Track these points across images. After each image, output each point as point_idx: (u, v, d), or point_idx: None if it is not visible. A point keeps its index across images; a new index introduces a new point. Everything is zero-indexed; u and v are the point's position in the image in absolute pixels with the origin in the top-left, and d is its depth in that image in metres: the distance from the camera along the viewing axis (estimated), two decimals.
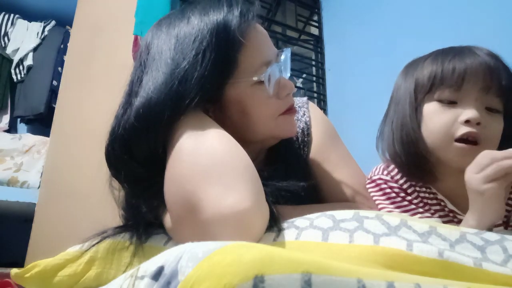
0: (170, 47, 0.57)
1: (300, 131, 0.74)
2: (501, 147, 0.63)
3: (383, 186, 0.69)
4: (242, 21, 0.58)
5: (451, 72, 0.62)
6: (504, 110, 0.63)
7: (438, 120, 0.63)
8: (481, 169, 0.54)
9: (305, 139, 0.74)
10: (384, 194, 0.68)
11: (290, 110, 0.64)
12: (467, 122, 0.60)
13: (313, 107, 0.79)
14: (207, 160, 0.48)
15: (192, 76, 0.53)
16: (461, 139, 0.61)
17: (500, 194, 0.53)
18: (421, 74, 0.67)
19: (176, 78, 0.53)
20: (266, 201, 0.49)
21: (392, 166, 0.70)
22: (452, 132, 0.61)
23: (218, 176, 0.46)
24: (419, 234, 0.43)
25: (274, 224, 0.48)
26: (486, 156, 0.54)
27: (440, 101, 0.64)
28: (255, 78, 0.59)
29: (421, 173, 0.66)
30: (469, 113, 0.60)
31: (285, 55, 0.65)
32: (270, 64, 0.60)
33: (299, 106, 0.78)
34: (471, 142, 0.61)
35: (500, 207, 0.54)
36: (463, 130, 0.60)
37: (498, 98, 0.62)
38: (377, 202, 0.69)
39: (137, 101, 0.54)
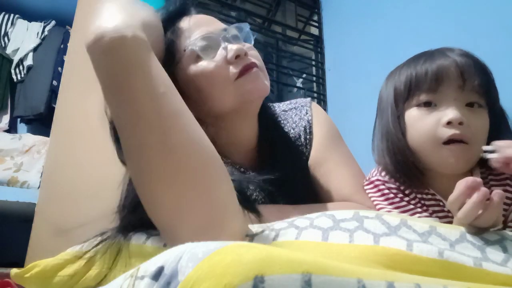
0: None
1: (303, 129, 0.75)
2: (490, 140, 0.63)
3: (381, 187, 0.69)
4: (174, 11, 0.63)
5: (424, 75, 0.63)
6: (487, 104, 0.63)
7: (420, 125, 0.63)
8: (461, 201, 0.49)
9: (308, 137, 0.74)
10: (383, 195, 0.68)
11: (247, 70, 0.61)
12: (449, 123, 0.60)
13: (315, 106, 0.80)
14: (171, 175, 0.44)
15: None
16: (448, 141, 0.61)
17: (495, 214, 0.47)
18: (398, 82, 0.68)
19: None
20: (242, 200, 0.47)
21: None
22: (437, 136, 0.61)
23: (181, 192, 0.42)
24: (419, 234, 0.43)
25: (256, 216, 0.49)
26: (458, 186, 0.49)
27: (419, 105, 0.64)
28: (186, 50, 0.61)
29: (411, 181, 0.66)
30: (450, 114, 0.60)
31: (238, 26, 0.66)
32: (204, 36, 0.62)
33: (301, 105, 0.78)
34: (459, 142, 0.61)
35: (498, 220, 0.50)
36: (447, 132, 0.60)
37: (477, 94, 0.62)
38: (375, 203, 0.69)
39: None
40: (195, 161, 0.42)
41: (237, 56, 0.61)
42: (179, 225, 0.42)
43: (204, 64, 0.61)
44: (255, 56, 0.65)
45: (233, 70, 0.61)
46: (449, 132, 0.60)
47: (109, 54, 0.42)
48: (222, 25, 0.66)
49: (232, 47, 0.61)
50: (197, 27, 0.63)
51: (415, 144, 0.65)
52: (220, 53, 0.61)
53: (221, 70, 0.61)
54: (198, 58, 0.61)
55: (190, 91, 0.61)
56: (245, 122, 0.68)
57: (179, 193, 0.42)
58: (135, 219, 0.55)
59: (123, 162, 0.55)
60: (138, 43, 0.43)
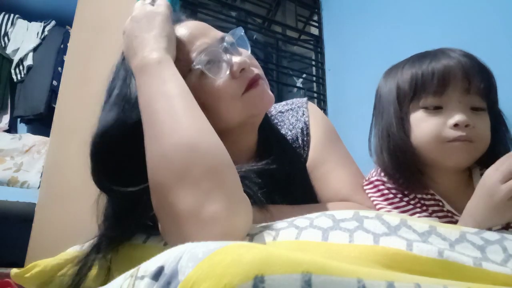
0: (110, 75, 0.65)
1: (300, 131, 0.74)
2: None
3: (381, 187, 0.69)
4: None
5: (431, 76, 0.62)
6: (488, 107, 0.64)
7: (425, 125, 0.63)
8: (499, 166, 0.54)
9: (305, 138, 0.74)
10: (382, 195, 0.68)
11: (253, 83, 0.62)
12: (455, 125, 0.61)
13: (312, 107, 0.79)
14: (183, 161, 0.46)
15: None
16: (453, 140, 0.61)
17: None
18: (401, 81, 0.67)
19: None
20: (247, 192, 0.48)
21: None
22: (442, 136, 0.62)
23: (195, 181, 0.44)
24: (419, 233, 0.43)
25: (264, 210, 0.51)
26: (506, 156, 0.54)
27: (425, 108, 0.64)
28: (189, 69, 0.60)
29: (411, 182, 0.66)
30: (457, 116, 0.60)
31: (233, 33, 0.65)
32: (207, 51, 0.61)
33: (298, 106, 0.78)
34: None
35: (508, 214, 0.53)
36: (453, 134, 0.61)
37: (480, 97, 0.63)
38: (375, 203, 0.69)
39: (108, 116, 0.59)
40: (206, 154, 0.46)
41: (241, 70, 0.60)
42: (194, 213, 0.43)
43: (209, 81, 0.60)
44: (255, 65, 0.64)
45: (239, 85, 0.61)
46: (455, 134, 0.61)
47: (138, 75, 0.54)
48: (218, 34, 0.64)
49: (236, 60, 0.60)
50: (195, 39, 0.62)
51: (418, 143, 0.64)
52: (224, 67, 0.60)
53: (228, 86, 0.60)
54: (202, 75, 0.60)
55: None
56: (248, 134, 0.68)
57: (195, 184, 0.44)
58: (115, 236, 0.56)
59: (100, 186, 0.57)
60: (160, 63, 0.53)
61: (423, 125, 0.64)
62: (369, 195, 0.70)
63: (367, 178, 0.72)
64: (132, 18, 0.60)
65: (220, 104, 0.60)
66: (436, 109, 0.63)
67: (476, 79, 0.62)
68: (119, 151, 0.55)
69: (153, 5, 0.62)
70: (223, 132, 0.57)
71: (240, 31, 0.65)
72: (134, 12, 0.61)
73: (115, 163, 0.55)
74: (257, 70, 0.63)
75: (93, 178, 0.57)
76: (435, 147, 0.63)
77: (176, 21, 0.65)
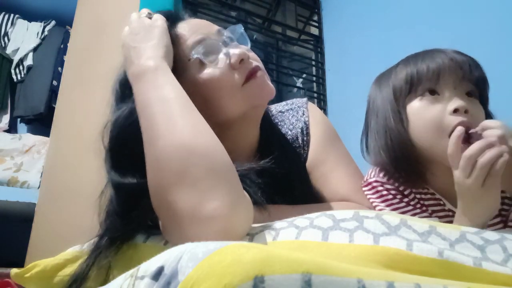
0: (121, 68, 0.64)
1: (300, 130, 0.74)
2: None
3: (379, 188, 0.68)
4: (169, 18, 0.64)
5: (426, 71, 0.63)
6: (480, 99, 0.65)
7: (425, 115, 0.63)
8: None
9: (305, 138, 0.74)
10: (381, 196, 0.68)
11: (252, 74, 0.62)
12: (455, 111, 0.60)
13: (312, 107, 0.79)
14: (181, 162, 0.46)
15: None
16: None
17: (490, 185, 0.53)
18: (396, 80, 0.67)
19: None
20: (247, 192, 0.48)
21: None
22: (444, 125, 0.61)
23: (193, 180, 0.44)
24: (419, 233, 0.43)
25: (263, 209, 0.51)
26: (464, 155, 0.55)
27: (422, 96, 0.64)
28: (189, 59, 0.61)
29: (410, 176, 0.65)
30: (456, 102, 0.61)
31: (233, 29, 0.66)
32: (204, 41, 0.62)
33: (298, 106, 0.78)
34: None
35: (493, 200, 0.54)
36: (454, 120, 0.60)
37: (474, 86, 0.64)
38: (373, 204, 0.68)
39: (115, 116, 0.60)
40: (203, 155, 0.46)
41: (240, 61, 0.61)
42: (196, 207, 0.43)
43: (209, 72, 0.60)
44: (255, 58, 0.64)
45: (238, 75, 0.61)
46: (456, 120, 0.60)
47: (134, 82, 0.54)
48: (216, 27, 0.65)
49: (235, 52, 0.61)
50: (194, 33, 0.63)
51: (418, 136, 0.64)
52: (223, 58, 0.61)
53: (227, 76, 0.60)
54: (201, 66, 0.61)
55: (196, 100, 0.58)
56: (249, 128, 0.68)
57: (193, 184, 0.44)
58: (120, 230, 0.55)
59: (115, 184, 0.56)
60: (156, 69, 0.53)
61: (422, 115, 0.63)
62: (368, 196, 0.69)
63: (365, 180, 0.71)
64: (130, 31, 0.60)
65: (221, 96, 0.60)
66: (432, 94, 0.63)
67: (469, 68, 0.63)
68: (131, 141, 0.54)
69: (150, 18, 0.62)
70: (224, 126, 0.57)
71: (240, 28, 0.66)
72: (131, 25, 0.61)
73: (127, 154, 0.55)
74: (257, 62, 0.64)
75: (105, 167, 0.57)
76: (437, 142, 0.62)
77: (179, 19, 0.66)
